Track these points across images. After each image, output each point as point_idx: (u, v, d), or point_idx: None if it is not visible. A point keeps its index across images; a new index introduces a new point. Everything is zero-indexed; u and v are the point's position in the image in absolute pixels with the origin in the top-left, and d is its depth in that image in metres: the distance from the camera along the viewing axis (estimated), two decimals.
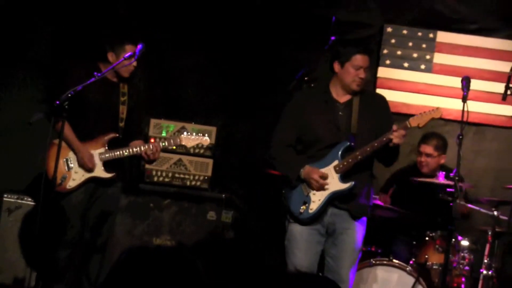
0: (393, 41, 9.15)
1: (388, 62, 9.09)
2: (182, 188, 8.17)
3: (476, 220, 8.31)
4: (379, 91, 8.65)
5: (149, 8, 8.80)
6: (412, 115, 8.26)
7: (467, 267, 7.58)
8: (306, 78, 7.95)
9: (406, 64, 9.12)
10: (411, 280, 7.32)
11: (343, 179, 6.44)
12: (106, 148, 6.98)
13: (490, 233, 7.52)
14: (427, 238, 7.70)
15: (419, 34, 9.14)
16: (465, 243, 7.67)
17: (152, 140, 7.10)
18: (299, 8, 8.88)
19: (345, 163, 6.42)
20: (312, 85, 7.77)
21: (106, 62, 6.97)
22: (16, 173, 8.40)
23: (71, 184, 6.93)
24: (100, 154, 6.97)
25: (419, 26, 9.13)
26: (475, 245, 7.71)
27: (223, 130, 8.23)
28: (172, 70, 8.95)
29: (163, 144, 7.05)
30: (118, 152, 6.98)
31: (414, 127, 6.48)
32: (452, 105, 8.67)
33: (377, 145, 6.37)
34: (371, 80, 8.62)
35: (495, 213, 7.51)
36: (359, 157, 6.40)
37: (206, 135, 7.22)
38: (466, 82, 6.64)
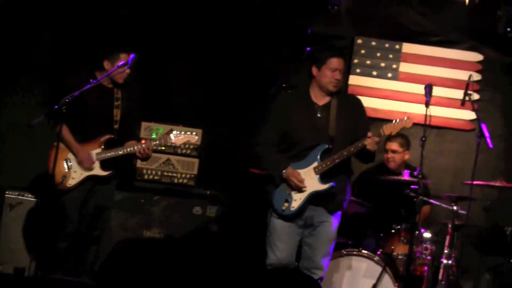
0: (363, 51, 9.19)
1: (358, 70, 9.13)
2: (170, 185, 8.18)
3: (437, 214, 8.36)
4: None
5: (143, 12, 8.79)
6: (380, 119, 8.37)
7: (429, 257, 7.62)
8: (284, 85, 7.96)
9: (374, 73, 9.16)
10: (378, 269, 7.34)
11: (323, 179, 6.48)
12: (103, 148, 7.01)
13: (450, 226, 7.55)
14: (393, 231, 7.75)
15: (386, 45, 9.19)
16: (427, 235, 7.71)
17: (143, 141, 7.10)
18: (279, 19, 8.89)
19: (324, 165, 6.45)
20: (290, 91, 7.77)
21: (102, 69, 7.01)
22: (17, 172, 8.39)
23: (71, 182, 6.97)
24: (97, 154, 7.01)
25: (386, 38, 9.19)
26: (437, 237, 7.75)
27: (208, 132, 8.22)
28: (162, 76, 8.94)
29: (155, 143, 7.07)
30: (113, 152, 7.02)
31: (387, 135, 6.53)
32: (416, 110, 8.69)
33: (353, 150, 6.42)
34: (343, 87, 8.63)
35: (455, 207, 7.53)
36: (337, 160, 6.44)
37: (194, 133, 7.24)
38: (429, 89, 6.68)
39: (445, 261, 7.49)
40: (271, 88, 7.97)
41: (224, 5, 8.90)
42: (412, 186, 7.56)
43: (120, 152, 7.02)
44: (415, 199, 6.80)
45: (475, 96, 8.67)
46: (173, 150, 8.14)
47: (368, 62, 9.17)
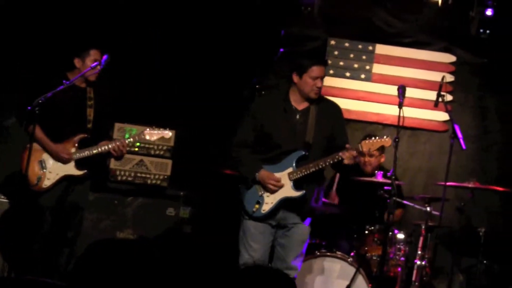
0: (336, 52, 9.22)
1: (331, 72, 9.13)
2: (143, 186, 8.15)
3: (411, 215, 8.39)
4: None
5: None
6: (353, 120, 8.38)
7: (402, 258, 7.65)
8: (257, 87, 7.95)
9: (347, 74, 9.19)
10: (352, 270, 7.35)
11: (296, 186, 6.49)
12: (77, 147, 6.98)
13: (423, 227, 7.57)
14: (366, 232, 7.76)
15: (360, 46, 9.22)
16: (400, 236, 7.73)
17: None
18: (252, 21, 8.87)
19: (299, 172, 6.45)
20: (263, 92, 7.77)
21: (73, 68, 6.98)
22: None
23: (47, 183, 6.95)
24: (72, 153, 6.96)
25: (359, 39, 9.22)
26: (410, 238, 7.77)
27: (181, 133, 8.20)
28: (133, 77, 8.89)
29: (129, 140, 7.05)
30: (87, 151, 6.99)
31: (364, 151, 6.56)
32: (389, 111, 8.75)
33: (329, 161, 6.41)
34: None
35: (428, 208, 7.56)
36: (312, 169, 6.44)
37: (168, 129, 7.22)
38: (402, 90, 6.69)
39: (418, 262, 7.50)
40: (244, 89, 7.97)
41: (197, 5, 8.87)
42: (385, 187, 7.58)
43: (94, 151, 6.99)
44: (388, 200, 6.82)
45: (448, 97, 8.71)
46: (146, 151, 8.11)
47: (341, 63, 9.20)
